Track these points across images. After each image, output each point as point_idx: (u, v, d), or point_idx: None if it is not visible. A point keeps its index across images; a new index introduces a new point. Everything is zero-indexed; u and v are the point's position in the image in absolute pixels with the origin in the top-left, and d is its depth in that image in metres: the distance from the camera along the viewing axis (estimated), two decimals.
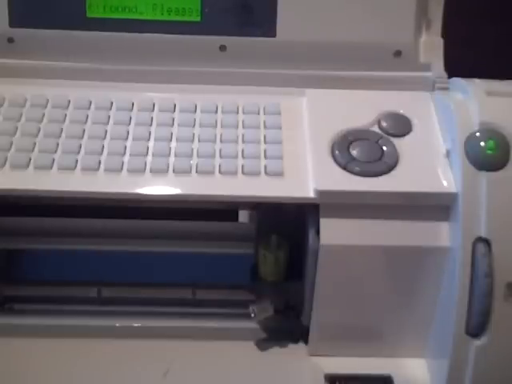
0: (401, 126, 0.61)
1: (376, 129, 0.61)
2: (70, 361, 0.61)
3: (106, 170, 0.58)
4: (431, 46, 0.65)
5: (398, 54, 0.65)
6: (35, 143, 0.60)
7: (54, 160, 0.58)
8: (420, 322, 0.61)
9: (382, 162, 0.58)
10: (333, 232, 0.57)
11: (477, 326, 0.55)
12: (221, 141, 0.61)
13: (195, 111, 0.63)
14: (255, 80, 0.65)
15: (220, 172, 0.58)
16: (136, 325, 0.64)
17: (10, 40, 0.64)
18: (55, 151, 0.59)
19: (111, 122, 0.62)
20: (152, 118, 0.62)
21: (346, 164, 0.58)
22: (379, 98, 0.64)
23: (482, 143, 0.56)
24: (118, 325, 0.64)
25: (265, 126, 0.62)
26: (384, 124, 0.61)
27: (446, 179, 0.57)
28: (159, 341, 0.63)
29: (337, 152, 0.59)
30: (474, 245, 0.55)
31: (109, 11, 0.63)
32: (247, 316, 0.63)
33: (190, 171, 0.58)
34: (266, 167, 0.58)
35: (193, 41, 0.64)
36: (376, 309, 0.61)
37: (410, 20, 0.64)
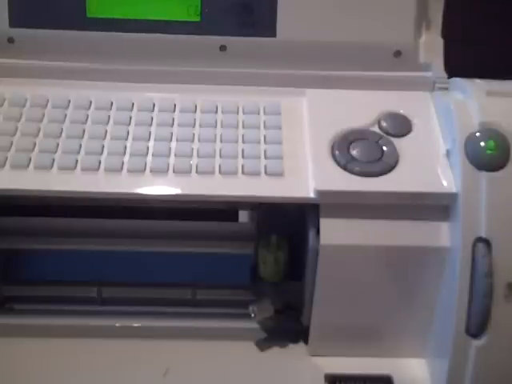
0: (401, 125, 0.61)
1: (376, 129, 0.61)
2: (70, 361, 0.61)
3: (106, 169, 0.58)
4: (431, 46, 0.65)
5: (397, 53, 0.65)
6: (35, 143, 0.60)
7: (54, 160, 0.58)
8: (420, 321, 0.61)
9: (382, 162, 0.58)
10: (333, 232, 0.57)
11: (477, 326, 0.55)
12: (221, 141, 0.61)
13: (195, 111, 0.63)
14: (255, 80, 0.65)
15: (220, 172, 0.58)
16: (136, 325, 0.64)
17: (10, 40, 0.64)
18: (55, 151, 0.59)
19: (111, 122, 0.62)
20: (152, 118, 0.62)
21: (346, 164, 0.58)
22: (379, 98, 0.64)
23: (482, 143, 0.56)
24: (117, 325, 0.64)
25: (265, 126, 0.62)
26: (384, 124, 0.61)
27: (445, 179, 0.57)
28: (159, 341, 0.63)
29: (337, 152, 0.59)
30: (474, 245, 0.55)
31: (109, 11, 0.63)
32: (247, 316, 0.63)
33: (190, 171, 0.58)
34: (266, 167, 0.58)
35: (193, 41, 0.64)
36: (376, 309, 0.61)
37: (409, 20, 0.64)
